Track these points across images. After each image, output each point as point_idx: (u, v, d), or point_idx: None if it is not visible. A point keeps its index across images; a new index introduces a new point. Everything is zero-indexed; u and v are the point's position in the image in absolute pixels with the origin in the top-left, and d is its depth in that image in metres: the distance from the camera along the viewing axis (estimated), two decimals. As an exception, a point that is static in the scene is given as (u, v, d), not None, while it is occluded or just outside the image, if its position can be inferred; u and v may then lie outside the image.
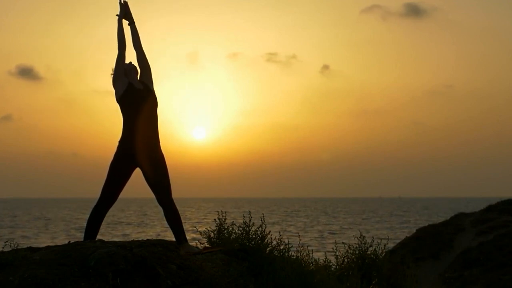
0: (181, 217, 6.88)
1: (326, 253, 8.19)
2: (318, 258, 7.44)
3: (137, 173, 6.87)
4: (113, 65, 6.88)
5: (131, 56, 7.04)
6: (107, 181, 6.77)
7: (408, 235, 26.42)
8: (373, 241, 8.41)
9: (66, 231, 59.58)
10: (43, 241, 43.74)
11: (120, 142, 6.79)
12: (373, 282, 7.71)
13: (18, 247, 5.98)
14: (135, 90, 6.80)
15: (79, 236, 6.85)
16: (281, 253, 7.12)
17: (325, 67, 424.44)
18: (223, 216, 7.26)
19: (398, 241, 26.14)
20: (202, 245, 7.21)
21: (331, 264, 7.76)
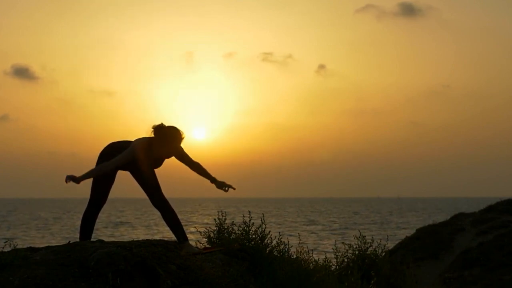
0: (181, 217, 6.88)
1: (326, 253, 8.19)
2: (318, 258, 7.44)
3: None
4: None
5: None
6: (97, 181, 6.79)
7: (408, 235, 26.37)
8: (373, 241, 8.42)
9: (64, 232, 59.53)
10: (42, 242, 43.71)
11: (116, 147, 6.75)
12: (372, 282, 7.72)
13: (18, 247, 5.97)
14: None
15: (78, 236, 6.84)
16: (281, 253, 7.12)
17: (321, 66, 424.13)
18: (223, 216, 7.26)
19: (398, 241, 26.10)
20: (202, 245, 7.21)
21: (331, 264, 7.76)
